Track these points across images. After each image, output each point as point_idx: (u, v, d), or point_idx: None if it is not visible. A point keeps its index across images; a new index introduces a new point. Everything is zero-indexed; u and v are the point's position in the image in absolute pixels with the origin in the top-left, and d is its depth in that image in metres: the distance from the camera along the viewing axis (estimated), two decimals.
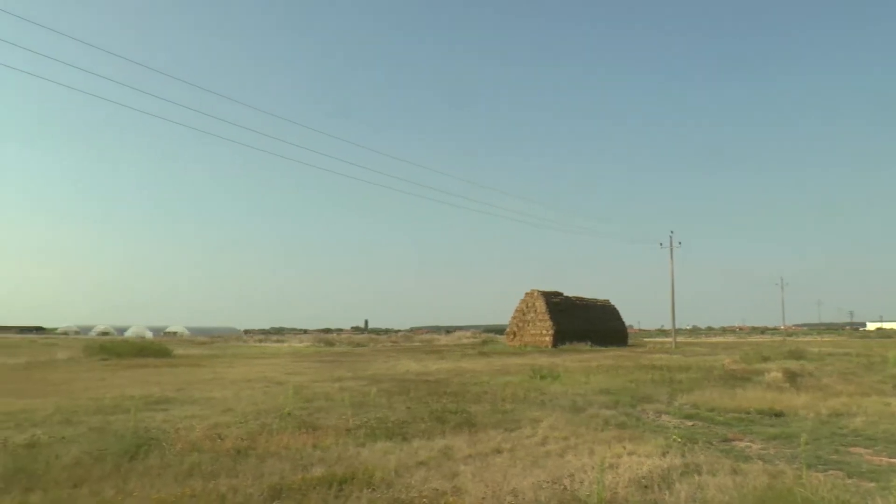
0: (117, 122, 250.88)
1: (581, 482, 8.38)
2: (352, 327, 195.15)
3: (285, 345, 78.01)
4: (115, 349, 43.08)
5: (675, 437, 11.48)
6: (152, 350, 44.70)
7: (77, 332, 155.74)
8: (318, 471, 8.98)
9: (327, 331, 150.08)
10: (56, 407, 16.01)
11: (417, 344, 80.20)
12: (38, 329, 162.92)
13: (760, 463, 9.72)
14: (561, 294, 74.01)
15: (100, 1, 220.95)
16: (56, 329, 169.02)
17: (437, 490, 8.00)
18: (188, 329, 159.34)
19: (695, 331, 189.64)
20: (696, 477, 8.63)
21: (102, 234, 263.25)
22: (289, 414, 14.11)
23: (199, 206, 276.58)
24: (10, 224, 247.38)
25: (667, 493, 7.91)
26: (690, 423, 14.00)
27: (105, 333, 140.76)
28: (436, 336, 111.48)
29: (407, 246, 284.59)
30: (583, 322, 71.35)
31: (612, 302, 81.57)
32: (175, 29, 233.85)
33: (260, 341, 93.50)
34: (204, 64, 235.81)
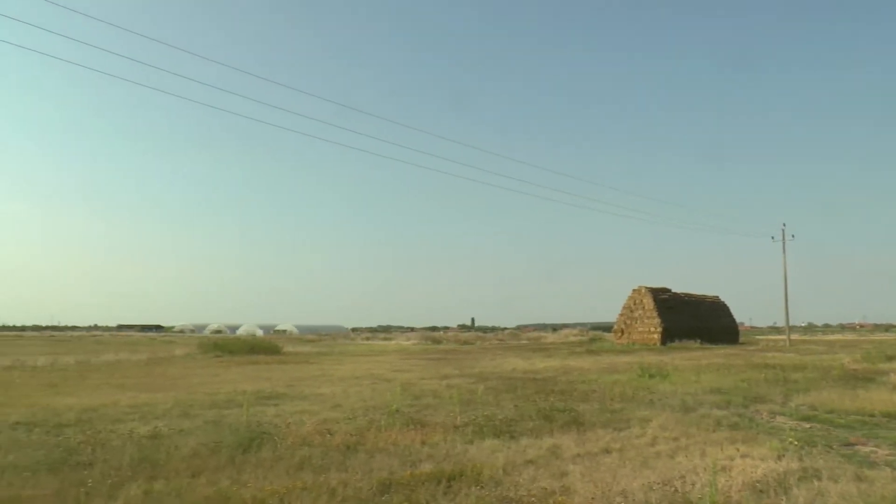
0: (232, 129, 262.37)
1: (692, 485, 8.19)
2: (458, 325, 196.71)
3: (392, 342, 79.53)
4: (227, 346, 45.22)
5: (791, 439, 10.99)
6: (263, 347, 46.64)
7: (192, 331, 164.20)
8: (426, 467, 9.18)
9: (434, 329, 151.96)
10: (175, 401, 17.04)
11: (524, 342, 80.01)
12: (157, 328, 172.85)
13: (888, 470, 9.19)
14: (669, 290, 72.12)
15: (222, 16, 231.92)
16: (173, 327, 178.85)
17: (546, 489, 8.02)
18: (297, 327, 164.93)
19: (810, 328, 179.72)
20: (816, 483, 8.26)
21: (217, 237, 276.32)
22: (397, 411, 14.45)
23: (308, 208, 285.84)
24: (136, 228, 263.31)
25: (784, 498, 7.62)
26: (808, 426, 13.39)
27: (218, 332, 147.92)
28: (542, 334, 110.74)
29: (513, 243, 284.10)
30: (692, 319, 69.32)
31: (722, 298, 78.75)
32: (286, 32, 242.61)
33: (367, 339, 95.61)
34: (317, 70, 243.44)
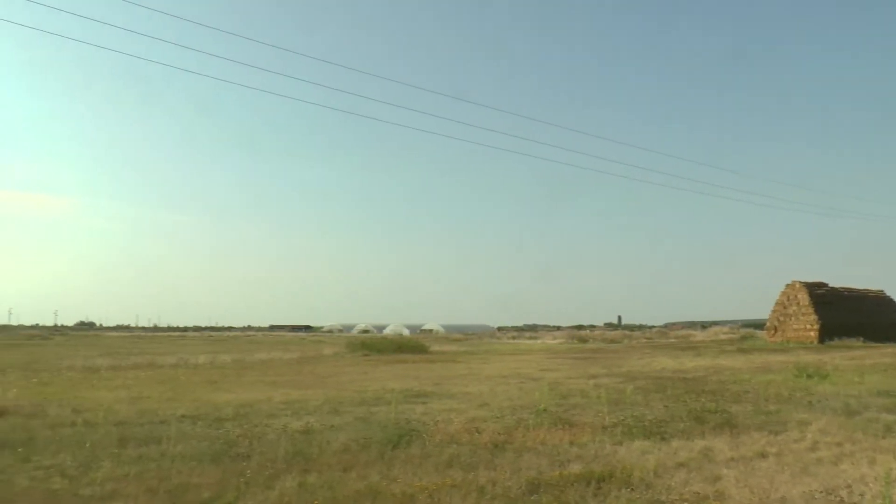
0: (375, 133, 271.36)
1: (861, 495, 7.66)
2: (605, 323, 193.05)
3: (538, 341, 79.53)
4: (375, 346, 46.82)
5: None
6: (410, 346, 47.93)
7: (340, 330, 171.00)
8: (575, 467, 9.14)
9: (580, 327, 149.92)
10: (325, 398, 17.85)
11: (672, 340, 77.68)
12: (307, 328, 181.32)
13: None
14: (825, 285, 67.36)
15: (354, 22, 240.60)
16: (322, 327, 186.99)
17: (699, 494, 7.78)
18: (443, 326, 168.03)
19: None
20: None
21: (364, 240, 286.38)
22: (544, 410, 14.44)
23: (450, 208, 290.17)
24: (287, 234, 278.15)
25: None
26: None
27: (366, 331, 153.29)
28: (691, 332, 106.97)
29: (660, 239, 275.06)
30: (852, 315, 64.36)
31: (888, 293, 72.33)
32: (404, 27, 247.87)
33: (513, 338, 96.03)
34: (447, 68, 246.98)
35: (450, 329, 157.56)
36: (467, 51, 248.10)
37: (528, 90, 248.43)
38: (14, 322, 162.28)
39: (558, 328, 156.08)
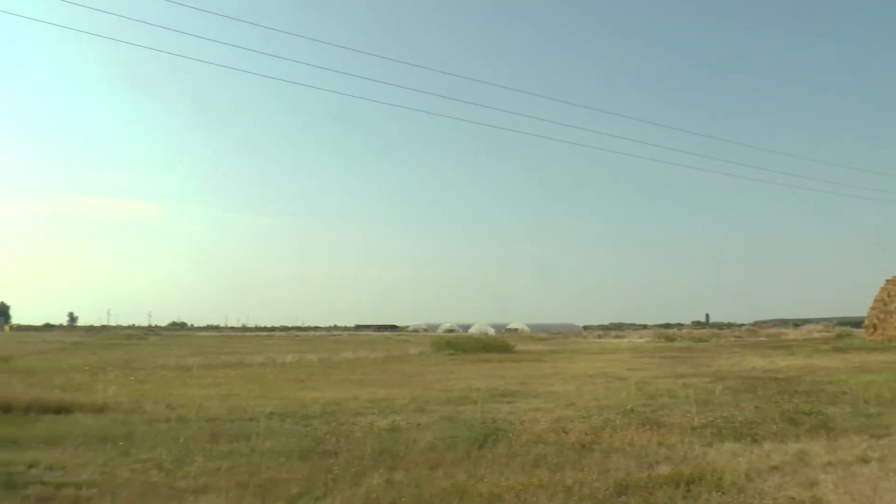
0: (460, 133, 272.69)
1: None
2: (692, 322, 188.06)
3: (624, 340, 78.37)
4: (460, 345, 47.01)
5: None
6: (495, 346, 47.93)
7: (426, 330, 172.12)
8: (663, 469, 9.01)
9: (667, 326, 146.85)
10: (411, 396, 18.06)
11: (763, 339, 75.16)
12: (392, 327, 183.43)
13: None
14: None
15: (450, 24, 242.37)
16: (407, 327, 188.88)
17: (795, 499, 7.56)
18: (528, 326, 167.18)
19: None
20: None
21: (449, 240, 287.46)
22: (631, 410, 14.25)
23: (532, 206, 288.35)
24: (372, 233, 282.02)
25: None
26: None
27: (450, 330, 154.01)
28: (782, 330, 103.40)
29: (749, 233, 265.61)
30: None
31: None
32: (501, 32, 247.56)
33: (599, 337, 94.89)
34: (535, 65, 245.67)
35: (535, 328, 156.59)
36: (556, 53, 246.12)
37: (625, 90, 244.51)
38: (112, 323, 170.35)
39: (644, 327, 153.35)
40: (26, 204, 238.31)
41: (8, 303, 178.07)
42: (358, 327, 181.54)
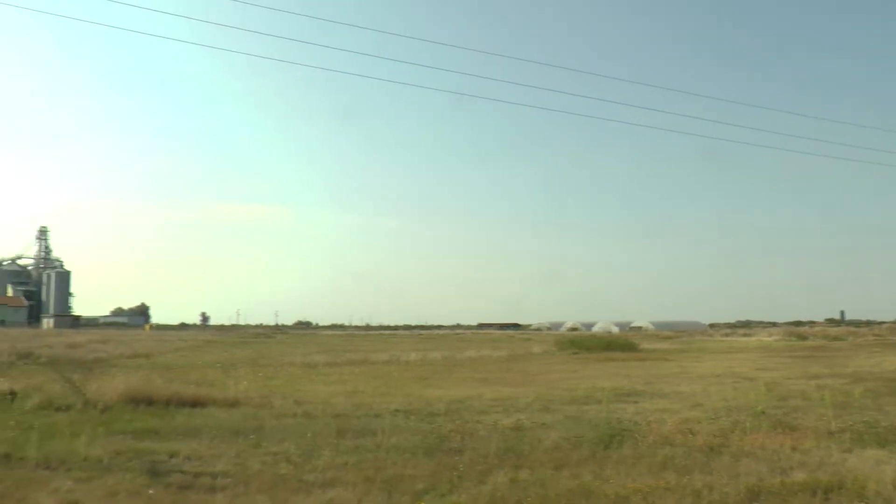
0: (569, 130, 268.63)
1: None
2: (825, 319, 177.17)
3: (753, 339, 75.36)
4: (583, 343, 46.47)
5: None
6: (619, 344, 47.06)
7: (549, 328, 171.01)
8: (798, 475, 8.60)
9: (798, 323, 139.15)
10: (535, 395, 18.00)
11: None
12: (515, 325, 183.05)
13: None
14: None
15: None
16: (530, 325, 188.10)
17: None
18: (653, 323, 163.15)
19: None
20: None
21: (569, 238, 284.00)
22: (762, 412, 13.66)
23: (653, 201, 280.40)
24: (495, 233, 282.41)
25: None
26: None
27: (574, 329, 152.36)
28: None
29: (886, 223, 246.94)
30: None
31: None
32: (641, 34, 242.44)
33: (726, 335, 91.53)
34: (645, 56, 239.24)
35: (659, 326, 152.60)
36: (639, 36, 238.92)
37: (747, 78, 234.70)
38: (241, 322, 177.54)
39: (774, 324, 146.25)
40: (164, 210, 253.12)
41: (148, 304, 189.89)
42: (481, 326, 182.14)
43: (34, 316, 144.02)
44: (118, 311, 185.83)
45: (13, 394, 15.41)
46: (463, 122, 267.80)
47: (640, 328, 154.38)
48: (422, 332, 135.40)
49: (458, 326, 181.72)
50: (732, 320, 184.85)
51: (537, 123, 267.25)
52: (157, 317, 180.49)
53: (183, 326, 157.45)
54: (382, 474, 8.72)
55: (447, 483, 8.24)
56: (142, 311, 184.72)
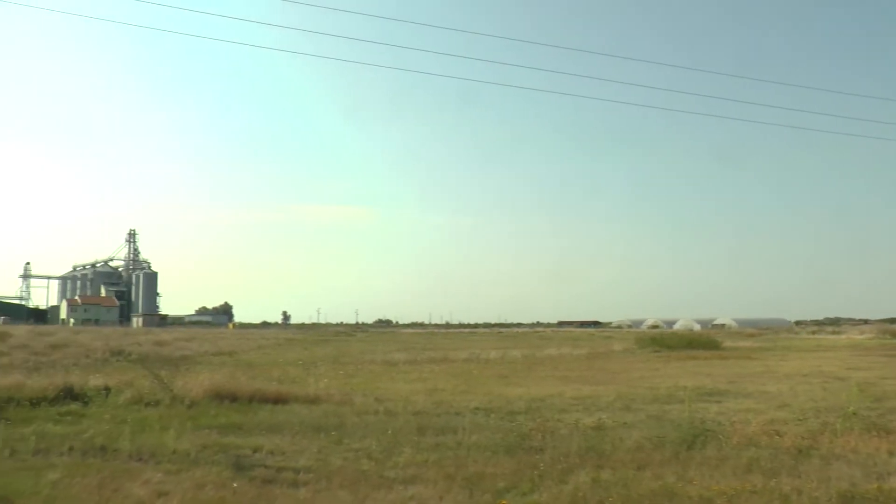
0: (648, 124, 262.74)
1: None
2: None
3: (842, 337, 72.28)
4: (665, 341, 45.61)
5: None
6: (701, 342, 45.93)
7: (629, 326, 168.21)
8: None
9: (892, 321, 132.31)
10: (616, 394, 17.75)
11: None
12: (595, 323, 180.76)
13: None
14: None
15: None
16: (610, 323, 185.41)
17: None
18: (735, 321, 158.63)
19: None
20: None
21: (652, 234, 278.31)
22: (854, 414, 13.05)
23: (739, 197, 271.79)
24: (575, 230, 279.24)
25: None
26: None
27: (655, 326, 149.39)
28: None
29: None
30: None
31: None
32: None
33: (813, 333, 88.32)
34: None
35: (743, 323, 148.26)
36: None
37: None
38: (322, 320, 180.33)
39: (865, 322, 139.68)
40: (247, 212, 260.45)
41: (231, 303, 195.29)
42: (560, 323, 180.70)
43: (125, 315, 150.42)
44: (203, 311, 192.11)
45: (107, 389, 16.15)
46: (542, 118, 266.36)
47: (722, 325, 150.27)
48: (501, 329, 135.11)
49: (538, 324, 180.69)
50: (820, 317, 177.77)
51: (618, 118, 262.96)
52: (239, 316, 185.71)
53: (265, 325, 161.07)
54: (463, 472, 8.75)
55: (528, 482, 8.21)
56: (225, 311, 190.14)
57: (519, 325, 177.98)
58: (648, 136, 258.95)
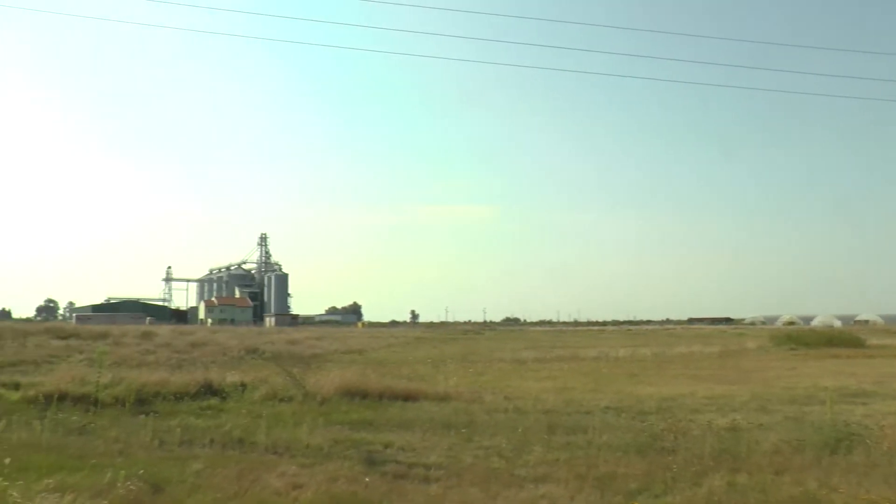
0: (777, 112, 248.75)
1: None
2: None
3: None
4: (802, 338, 43.11)
5: None
6: (842, 339, 43.09)
7: (763, 322, 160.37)
8: None
9: None
10: (751, 394, 16.92)
11: None
12: (727, 320, 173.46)
13: None
14: None
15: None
16: (743, 319, 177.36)
17: None
18: (881, 317, 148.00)
19: None
20: None
21: (786, 224, 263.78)
22: None
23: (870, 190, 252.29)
24: (709, 226, 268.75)
25: None
26: None
27: (791, 323, 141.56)
28: None
29: None
30: None
31: None
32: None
33: None
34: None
35: (890, 320, 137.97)
36: None
37: None
38: (450, 319, 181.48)
39: None
40: (374, 214, 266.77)
41: (360, 303, 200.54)
42: (691, 320, 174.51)
43: (258, 315, 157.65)
44: (332, 310, 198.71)
45: (243, 385, 16.91)
46: (669, 110, 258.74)
47: (866, 322, 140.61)
48: (630, 327, 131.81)
49: (668, 321, 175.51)
50: None
51: (748, 111, 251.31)
52: (368, 315, 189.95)
53: (393, 324, 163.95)
54: (594, 472, 8.55)
55: (661, 483, 7.93)
56: (354, 310, 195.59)
57: (648, 322, 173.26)
58: (795, 124, 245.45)
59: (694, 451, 9.54)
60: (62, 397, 14.24)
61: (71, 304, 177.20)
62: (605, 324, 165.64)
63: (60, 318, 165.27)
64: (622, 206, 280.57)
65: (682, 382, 20.80)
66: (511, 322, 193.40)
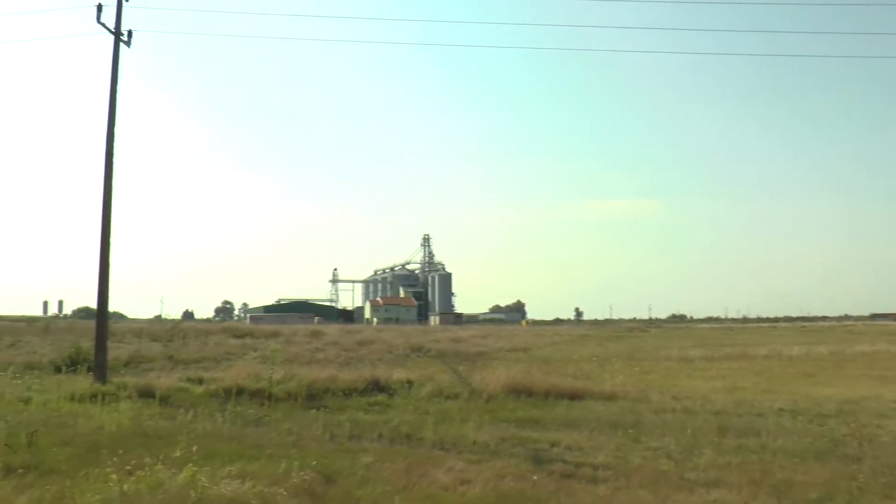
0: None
1: None
2: None
3: None
4: None
5: None
6: None
7: None
8: None
9: None
10: None
11: None
12: None
13: None
14: None
15: None
16: None
17: None
18: None
19: None
20: None
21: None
22: None
23: None
24: (868, 210, 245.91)
25: None
26: None
27: None
28: None
29: None
30: None
31: None
32: None
33: None
34: None
35: None
36: None
37: None
38: (614, 316, 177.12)
39: None
40: (536, 211, 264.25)
41: (523, 301, 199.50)
42: (874, 316, 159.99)
43: (422, 314, 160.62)
44: (496, 309, 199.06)
45: (410, 382, 17.24)
46: (827, 96, 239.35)
47: None
48: (804, 324, 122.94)
49: (846, 317, 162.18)
50: None
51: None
52: (532, 313, 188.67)
53: (557, 321, 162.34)
54: (769, 478, 7.93)
55: (845, 494, 7.20)
56: (518, 308, 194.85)
57: (824, 318, 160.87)
58: None
59: (883, 460, 8.63)
60: (239, 392, 15.25)
61: (245, 305, 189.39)
62: (776, 320, 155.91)
63: (236, 318, 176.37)
64: (788, 198, 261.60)
65: (866, 384, 18.92)
66: (677, 319, 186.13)
